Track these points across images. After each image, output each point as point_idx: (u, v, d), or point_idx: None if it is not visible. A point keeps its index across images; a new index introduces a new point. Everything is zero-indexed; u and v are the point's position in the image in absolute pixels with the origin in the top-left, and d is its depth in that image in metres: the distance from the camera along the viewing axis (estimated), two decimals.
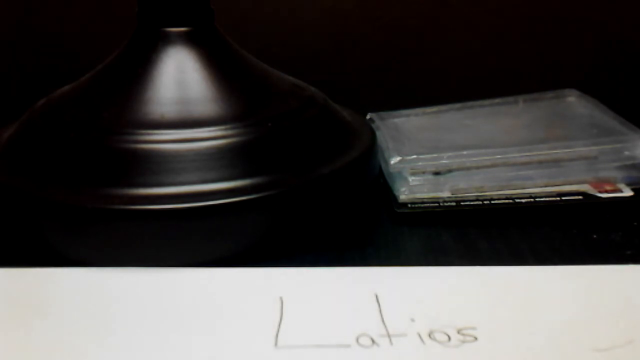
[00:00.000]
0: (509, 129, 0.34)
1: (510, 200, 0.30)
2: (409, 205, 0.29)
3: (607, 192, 0.30)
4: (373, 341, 0.21)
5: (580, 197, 0.30)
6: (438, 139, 0.33)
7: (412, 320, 0.22)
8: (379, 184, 0.32)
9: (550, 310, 0.22)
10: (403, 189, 0.30)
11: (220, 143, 0.26)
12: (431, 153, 0.31)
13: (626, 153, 0.31)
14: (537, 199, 0.30)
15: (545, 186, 0.31)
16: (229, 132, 0.27)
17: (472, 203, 0.30)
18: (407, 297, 0.23)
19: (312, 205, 0.27)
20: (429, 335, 0.21)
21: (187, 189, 0.25)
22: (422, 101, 0.38)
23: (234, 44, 0.31)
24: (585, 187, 0.31)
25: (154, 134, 0.26)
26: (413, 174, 0.30)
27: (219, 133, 0.27)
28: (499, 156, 0.31)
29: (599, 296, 0.23)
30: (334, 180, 0.28)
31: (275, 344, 0.21)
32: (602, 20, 0.45)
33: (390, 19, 0.45)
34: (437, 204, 0.29)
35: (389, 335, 0.21)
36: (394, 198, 0.30)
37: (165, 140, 0.26)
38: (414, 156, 0.30)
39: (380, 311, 0.22)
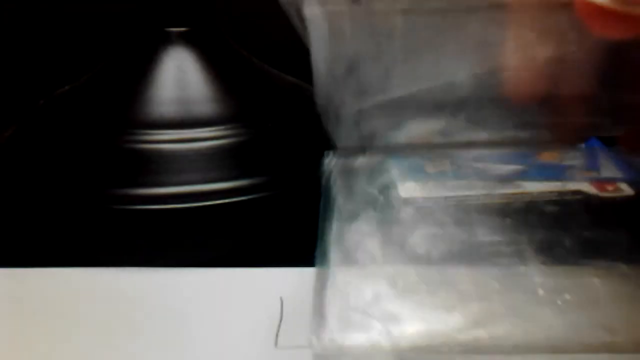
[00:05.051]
0: None
1: (511, 200, 0.30)
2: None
3: (607, 191, 0.30)
4: None
5: (581, 196, 0.30)
6: None
7: None
8: None
9: (550, 310, 0.22)
10: (404, 188, 0.30)
11: (220, 143, 0.26)
12: None
13: None
14: (538, 198, 0.30)
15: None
16: (229, 132, 0.27)
17: (473, 203, 0.29)
18: (407, 297, 0.23)
19: (313, 205, 0.27)
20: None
21: (187, 189, 0.25)
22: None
23: (234, 44, 0.31)
24: (586, 187, 0.31)
25: (154, 134, 0.26)
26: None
27: (219, 133, 0.27)
28: None
29: (598, 296, 0.23)
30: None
31: (276, 344, 0.21)
32: None
33: None
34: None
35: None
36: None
37: (165, 140, 0.26)
38: None
39: None
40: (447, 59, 0.21)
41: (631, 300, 0.23)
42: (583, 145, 0.35)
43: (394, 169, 0.33)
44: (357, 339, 0.20)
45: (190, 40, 0.29)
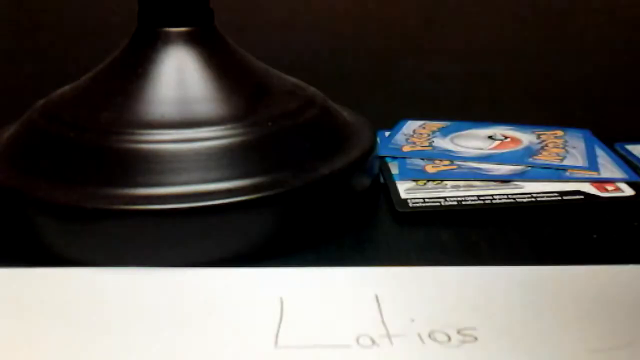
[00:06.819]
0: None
1: (512, 200, 0.30)
2: (410, 205, 0.29)
3: (607, 191, 0.30)
4: (373, 341, 0.21)
5: (581, 196, 0.30)
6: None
7: (412, 320, 0.22)
8: (380, 183, 0.32)
9: (549, 310, 0.22)
10: (404, 189, 0.30)
11: (220, 143, 0.26)
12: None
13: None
14: (538, 199, 0.30)
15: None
16: (229, 132, 0.27)
17: (473, 202, 0.30)
18: (407, 297, 0.23)
19: (313, 205, 0.27)
20: (429, 336, 0.21)
21: (187, 189, 0.25)
22: (421, 101, 0.38)
23: (234, 44, 0.31)
24: (586, 187, 0.31)
25: (154, 134, 0.26)
26: None
27: (219, 133, 0.26)
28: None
29: (599, 296, 0.23)
30: (334, 180, 0.28)
31: (276, 343, 0.21)
32: (603, 19, 0.45)
33: (390, 19, 0.45)
34: (438, 204, 0.29)
35: (389, 336, 0.21)
36: (394, 197, 0.30)
37: (165, 140, 0.26)
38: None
39: (380, 311, 0.22)
40: None
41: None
42: (583, 145, 0.36)
43: (394, 169, 0.33)
44: None
45: (190, 40, 0.29)
